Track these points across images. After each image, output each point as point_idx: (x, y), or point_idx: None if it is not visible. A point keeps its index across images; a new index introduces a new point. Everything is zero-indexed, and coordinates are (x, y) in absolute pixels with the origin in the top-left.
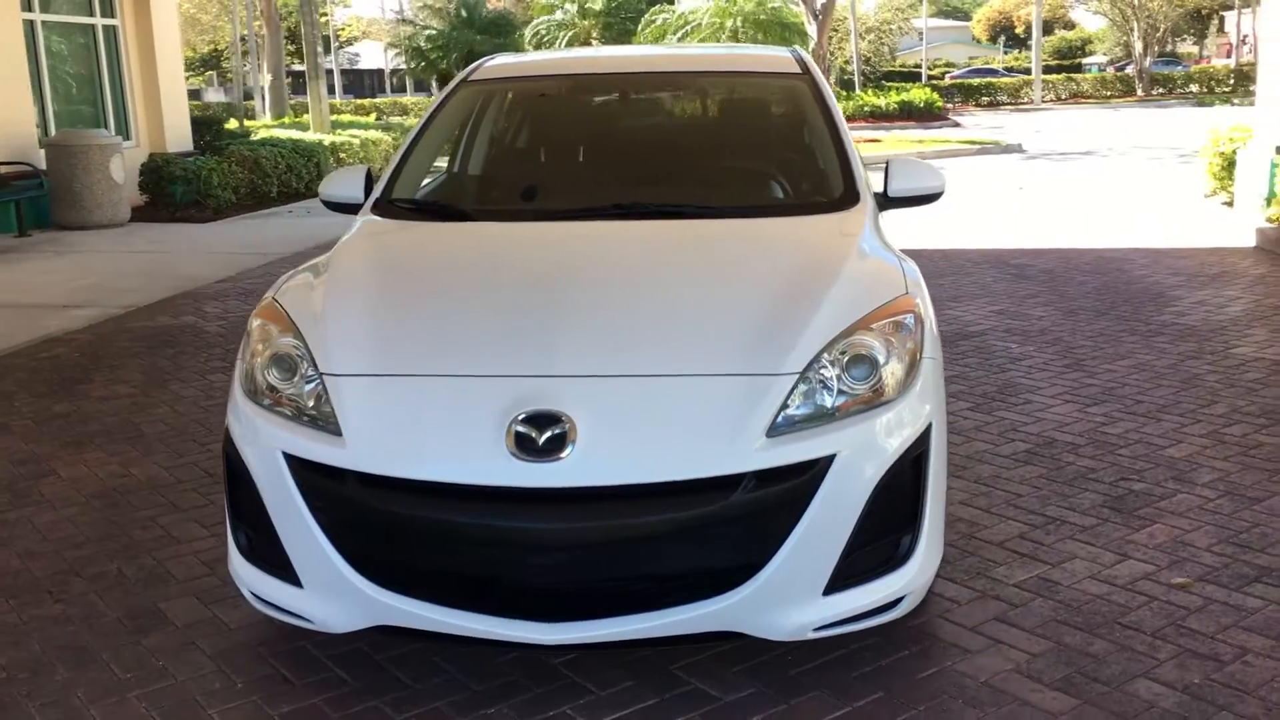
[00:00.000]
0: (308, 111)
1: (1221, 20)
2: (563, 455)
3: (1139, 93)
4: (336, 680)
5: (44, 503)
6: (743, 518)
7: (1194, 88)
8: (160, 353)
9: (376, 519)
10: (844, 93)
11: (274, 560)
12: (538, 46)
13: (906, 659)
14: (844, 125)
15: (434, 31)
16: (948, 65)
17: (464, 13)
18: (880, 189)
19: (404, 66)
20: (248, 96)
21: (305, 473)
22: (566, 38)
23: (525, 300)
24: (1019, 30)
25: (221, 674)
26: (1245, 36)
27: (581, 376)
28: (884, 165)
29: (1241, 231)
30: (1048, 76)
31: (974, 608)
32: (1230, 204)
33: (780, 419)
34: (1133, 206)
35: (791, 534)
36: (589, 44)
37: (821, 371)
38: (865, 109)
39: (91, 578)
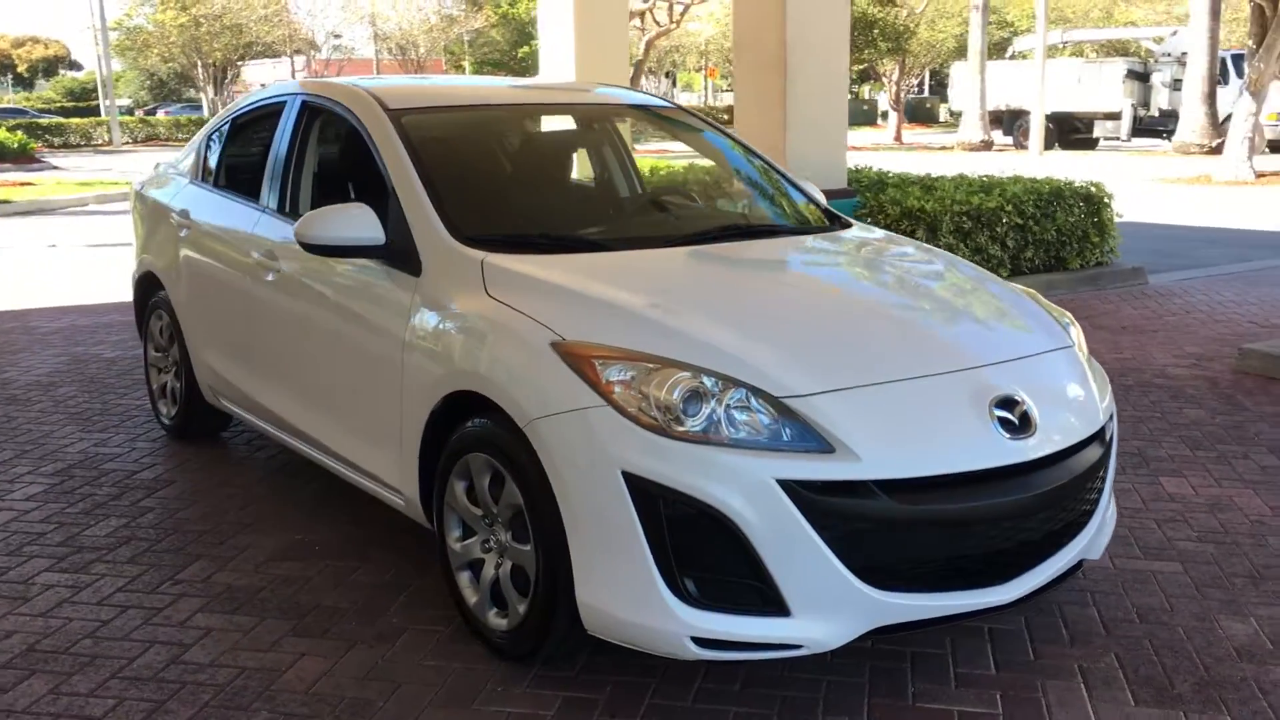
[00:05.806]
0: None
1: (239, 71)
2: (1034, 430)
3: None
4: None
5: None
6: (1104, 460)
7: None
8: None
9: (893, 523)
10: None
11: (746, 597)
12: None
13: None
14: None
15: None
16: None
17: None
18: None
19: None
20: None
21: (806, 494)
22: None
23: (832, 314)
24: (22, 69)
25: None
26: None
27: (994, 364)
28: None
29: None
30: (73, 120)
31: None
32: None
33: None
34: None
35: (1109, 469)
36: None
37: None
38: None
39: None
